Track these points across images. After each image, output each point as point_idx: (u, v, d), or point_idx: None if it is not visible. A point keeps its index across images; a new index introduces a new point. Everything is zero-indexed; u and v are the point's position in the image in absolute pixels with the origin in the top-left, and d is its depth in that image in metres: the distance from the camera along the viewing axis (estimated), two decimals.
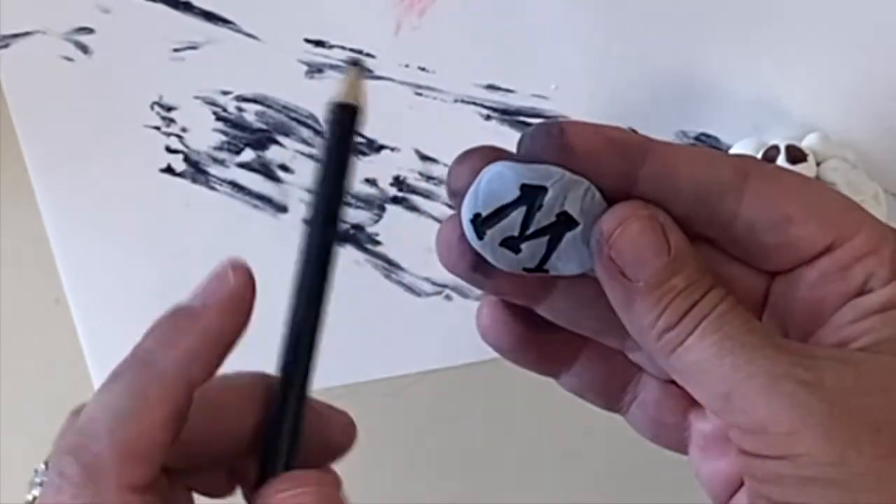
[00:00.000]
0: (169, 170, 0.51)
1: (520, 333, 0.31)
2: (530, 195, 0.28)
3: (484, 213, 0.28)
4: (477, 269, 0.30)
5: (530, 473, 0.59)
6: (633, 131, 0.30)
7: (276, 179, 0.51)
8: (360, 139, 0.50)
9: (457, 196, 0.29)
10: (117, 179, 0.51)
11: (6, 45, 0.49)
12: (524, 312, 0.31)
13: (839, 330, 0.27)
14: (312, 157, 0.51)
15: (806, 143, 0.49)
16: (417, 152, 0.51)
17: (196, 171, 0.51)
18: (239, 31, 0.49)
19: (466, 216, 0.28)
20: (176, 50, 0.49)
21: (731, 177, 0.28)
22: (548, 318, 0.31)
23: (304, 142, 0.51)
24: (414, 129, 0.51)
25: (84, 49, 0.49)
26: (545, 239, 0.28)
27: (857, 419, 0.25)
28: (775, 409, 0.25)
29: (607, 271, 0.28)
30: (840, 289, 0.27)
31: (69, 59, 0.49)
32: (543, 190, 0.28)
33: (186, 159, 0.51)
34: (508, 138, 0.50)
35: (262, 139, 0.51)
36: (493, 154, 0.29)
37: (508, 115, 0.50)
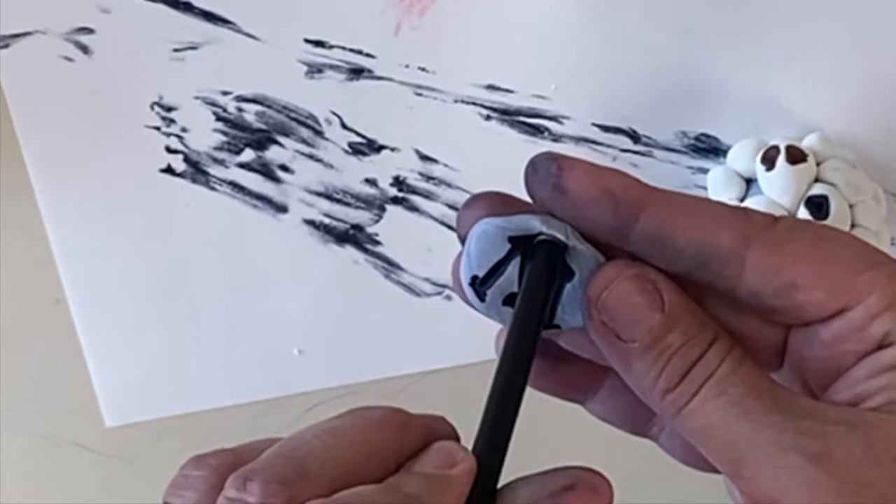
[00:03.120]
0: (169, 170, 0.51)
1: (537, 364, 0.31)
2: (521, 247, 0.28)
3: (481, 274, 0.28)
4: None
5: (530, 472, 0.58)
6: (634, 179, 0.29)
7: (275, 180, 0.51)
8: (360, 139, 0.51)
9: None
10: (117, 179, 0.51)
11: (6, 45, 0.49)
12: (542, 343, 0.30)
13: (855, 385, 0.26)
14: (312, 157, 0.51)
15: (806, 143, 0.49)
16: (417, 152, 0.51)
17: (196, 171, 0.51)
18: (239, 31, 0.49)
19: (465, 281, 0.28)
20: (176, 50, 0.49)
21: (731, 244, 0.26)
22: (568, 349, 0.30)
23: (304, 142, 0.51)
24: (414, 129, 0.51)
25: (84, 49, 0.49)
26: None
27: (866, 495, 0.24)
28: (783, 485, 0.24)
29: (600, 335, 0.27)
30: (857, 347, 0.26)
31: (69, 59, 0.49)
32: (531, 238, 0.28)
33: (186, 159, 0.51)
34: (508, 138, 0.51)
35: (262, 139, 0.51)
36: (497, 200, 0.28)
37: (508, 115, 0.50)
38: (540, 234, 0.27)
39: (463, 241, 0.28)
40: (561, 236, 0.27)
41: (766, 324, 0.28)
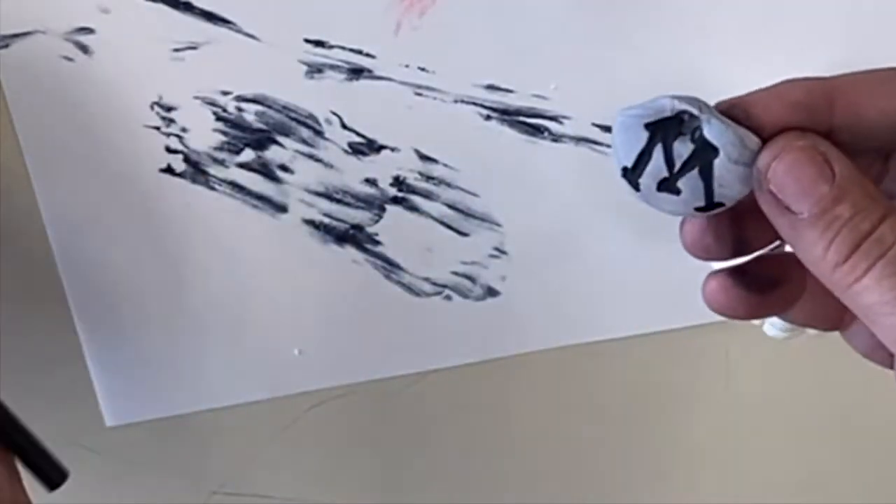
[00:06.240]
0: (169, 170, 0.51)
1: (742, 296, 0.31)
2: (659, 132, 0.29)
3: (629, 164, 0.29)
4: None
5: (530, 472, 0.59)
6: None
7: (275, 179, 0.51)
8: (360, 139, 0.51)
9: None
10: (117, 179, 0.51)
11: (6, 45, 0.49)
12: (745, 277, 0.31)
13: None
14: (312, 157, 0.51)
15: None
16: (417, 152, 0.51)
17: (196, 171, 0.51)
18: (239, 31, 0.49)
19: (618, 174, 0.29)
20: (176, 50, 0.49)
21: None
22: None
23: (304, 142, 0.51)
24: (414, 129, 0.51)
25: (84, 49, 0.49)
26: (696, 171, 0.29)
27: None
28: None
29: (770, 207, 0.28)
30: None
31: (69, 59, 0.49)
32: (667, 122, 0.28)
33: (186, 159, 0.51)
34: (508, 138, 0.51)
35: (261, 139, 0.51)
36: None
37: (508, 115, 0.50)
38: (674, 112, 0.28)
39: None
40: (694, 110, 0.28)
41: None
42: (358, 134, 0.51)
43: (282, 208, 0.52)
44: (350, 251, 0.53)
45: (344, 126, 0.51)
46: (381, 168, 0.51)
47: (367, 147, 0.51)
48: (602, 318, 0.54)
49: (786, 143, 0.27)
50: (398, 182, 0.51)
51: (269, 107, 0.50)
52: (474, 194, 0.52)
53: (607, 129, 0.50)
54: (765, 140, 0.28)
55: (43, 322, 0.54)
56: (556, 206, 0.52)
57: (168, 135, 0.51)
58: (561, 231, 0.52)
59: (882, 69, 0.29)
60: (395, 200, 0.52)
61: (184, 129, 0.51)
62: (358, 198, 0.52)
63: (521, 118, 0.50)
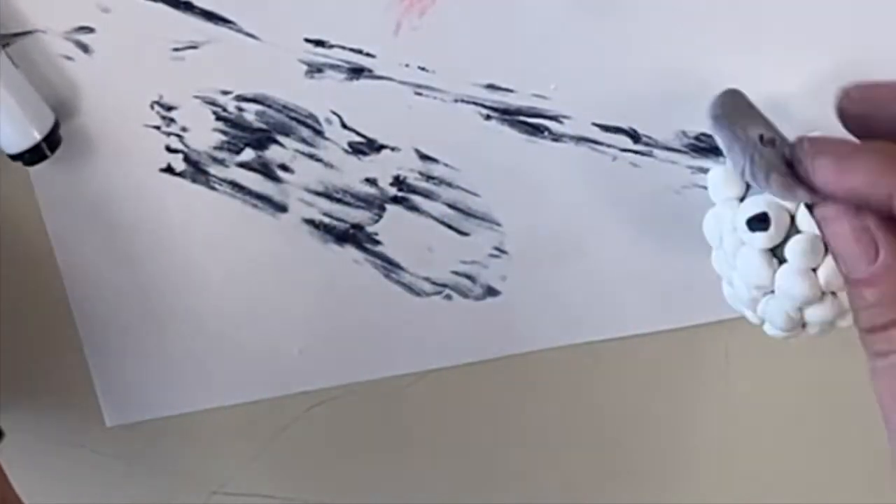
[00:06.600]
0: (169, 170, 0.51)
1: None
2: None
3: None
4: None
5: (530, 473, 0.59)
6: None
7: (276, 179, 0.51)
8: (360, 139, 0.51)
9: None
10: (117, 179, 0.51)
11: (6, 45, 0.49)
12: None
13: None
14: (312, 156, 0.51)
15: None
16: (417, 152, 0.51)
17: (196, 170, 0.51)
18: (239, 30, 0.49)
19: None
20: (176, 50, 0.49)
21: None
22: None
23: (304, 142, 0.51)
24: (414, 129, 0.51)
25: (84, 48, 0.49)
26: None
27: None
28: None
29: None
30: None
31: (69, 59, 0.49)
32: None
33: (186, 159, 0.51)
34: (508, 138, 0.51)
35: (262, 139, 0.51)
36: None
37: (508, 115, 0.50)
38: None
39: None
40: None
41: None
42: (358, 133, 0.51)
43: (282, 208, 0.52)
44: (350, 251, 0.53)
45: (344, 126, 0.51)
46: (381, 168, 0.51)
47: (367, 147, 0.51)
48: (602, 318, 0.54)
49: (843, 213, 0.28)
50: (398, 182, 0.51)
51: (270, 106, 0.50)
52: (474, 194, 0.52)
53: (608, 128, 0.50)
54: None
55: (43, 322, 0.54)
56: (556, 206, 0.52)
57: (168, 134, 0.51)
58: (561, 231, 0.52)
59: None
60: (396, 200, 0.52)
61: (184, 129, 0.51)
62: (358, 197, 0.52)
63: (521, 118, 0.50)
